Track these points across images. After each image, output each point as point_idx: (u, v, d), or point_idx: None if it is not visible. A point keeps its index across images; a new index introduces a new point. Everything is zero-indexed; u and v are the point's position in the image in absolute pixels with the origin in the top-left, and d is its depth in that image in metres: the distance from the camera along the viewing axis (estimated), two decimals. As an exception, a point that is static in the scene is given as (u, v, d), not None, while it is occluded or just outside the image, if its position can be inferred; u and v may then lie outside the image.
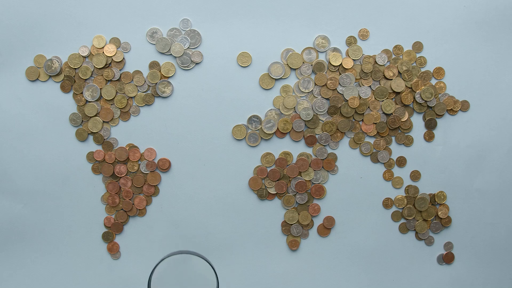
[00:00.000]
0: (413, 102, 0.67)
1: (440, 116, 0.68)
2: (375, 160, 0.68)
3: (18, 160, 0.65)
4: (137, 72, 0.64)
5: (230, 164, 0.67)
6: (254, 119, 0.66)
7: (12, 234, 0.66)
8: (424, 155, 0.69)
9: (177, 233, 0.67)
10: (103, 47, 0.63)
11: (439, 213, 0.70)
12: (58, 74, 0.64)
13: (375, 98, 0.67)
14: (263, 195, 0.67)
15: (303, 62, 0.65)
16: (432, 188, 0.70)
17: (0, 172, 0.65)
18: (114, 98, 0.64)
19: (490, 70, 0.68)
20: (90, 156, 0.65)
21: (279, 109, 0.66)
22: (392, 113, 0.67)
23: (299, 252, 0.69)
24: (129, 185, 0.66)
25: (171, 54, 0.64)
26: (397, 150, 0.68)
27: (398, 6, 0.66)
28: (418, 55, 0.67)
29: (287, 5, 0.64)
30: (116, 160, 0.65)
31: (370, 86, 0.66)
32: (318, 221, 0.69)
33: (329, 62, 0.65)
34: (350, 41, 0.66)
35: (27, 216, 0.66)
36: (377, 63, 0.66)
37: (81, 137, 0.65)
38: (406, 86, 0.67)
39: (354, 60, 0.66)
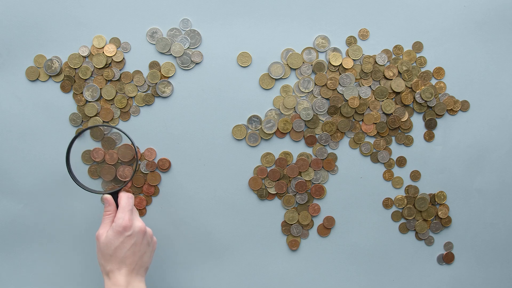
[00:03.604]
0: (413, 102, 0.67)
1: (440, 116, 0.68)
2: (375, 160, 0.68)
3: (18, 160, 0.65)
4: (137, 72, 0.64)
5: (230, 164, 0.67)
6: (254, 119, 0.66)
7: (12, 234, 0.66)
8: (424, 155, 0.69)
9: (177, 233, 0.67)
10: (103, 47, 0.63)
11: (439, 213, 0.70)
12: (58, 74, 0.64)
13: (375, 98, 0.67)
14: (263, 195, 0.67)
15: (303, 62, 0.65)
16: (432, 188, 0.70)
17: (1, 172, 0.65)
18: (114, 98, 0.64)
19: (490, 70, 0.68)
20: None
21: (279, 109, 0.66)
22: (392, 113, 0.67)
23: (299, 252, 0.69)
24: (129, 185, 0.66)
25: (171, 54, 0.64)
26: (397, 150, 0.68)
27: (398, 6, 0.66)
28: (418, 55, 0.67)
29: (287, 5, 0.64)
30: (119, 161, 0.65)
31: (370, 86, 0.66)
32: (318, 221, 0.69)
33: (329, 62, 0.65)
34: (350, 41, 0.66)
35: (27, 216, 0.66)
36: (377, 63, 0.66)
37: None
38: (406, 86, 0.67)
39: (354, 60, 0.66)
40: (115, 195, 0.57)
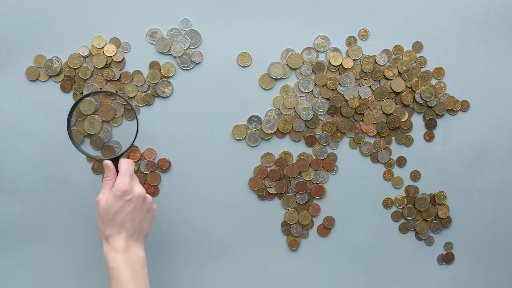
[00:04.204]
0: (413, 102, 0.67)
1: (440, 116, 0.68)
2: (375, 160, 0.68)
3: (18, 160, 0.65)
4: (137, 72, 0.64)
5: (230, 164, 0.67)
6: (254, 119, 0.66)
7: (12, 234, 0.66)
8: (424, 155, 0.69)
9: (177, 233, 0.67)
10: (103, 47, 0.63)
11: (439, 213, 0.70)
12: (58, 74, 0.64)
13: (375, 98, 0.67)
14: (263, 195, 0.67)
15: (303, 62, 0.65)
16: (432, 188, 0.70)
17: (1, 172, 0.65)
18: (114, 98, 0.64)
19: (490, 70, 0.68)
20: (90, 156, 0.65)
21: (279, 109, 0.66)
22: (392, 113, 0.67)
23: (299, 252, 0.69)
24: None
25: (171, 54, 0.64)
26: (397, 150, 0.68)
27: (398, 6, 0.66)
28: (418, 55, 0.67)
29: (287, 5, 0.64)
30: (116, 160, 0.65)
31: (370, 86, 0.66)
32: (318, 221, 0.69)
33: (329, 62, 0.65)
34: (350, 41, 0.66)
35: (27, 216, 0.66)
36: (377, 63, 0.66)
37: (81, 137, 0.65)
38: (406, 86, 0.67)
39: (354, 60, 0.66)
40: (115, 162, 0.57)
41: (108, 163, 0.57)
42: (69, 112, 0.58)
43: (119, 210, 0.53)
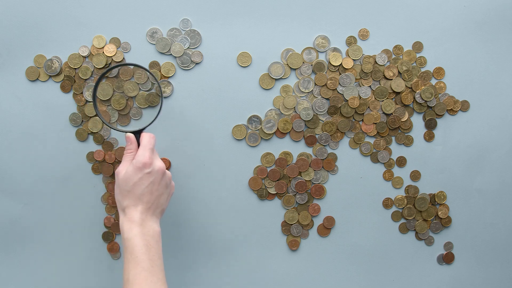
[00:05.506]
0: (413, 102, 0.67)
1: (440, 116, 0.68)
2: (375, 160, 0.68)
3: (18, 160, 0.65)
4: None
5: (230, 164, 0.67)
6: (254, 119, 0.66)
7: (12, 234, 0.66)
8: (424, 155, 0.69)
9: (177, 233, 0.67)
10: (103, 47, 0.63)
11: (439, 213, 0.70)
12: (58, 74, 0.64)
13: (375, 98, 0.67)
14: (263, 195, 0.67)
15: (303, 62, 0.65)
16: (432, 188, 0.70)
17: (1, 172, 0.65)
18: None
19: (490, 70, 0.68)
20: (90, 156, 0.65)
21: (279, 109, 0.66)
22: (392, 113, 0.67)
23: (299, 252, 0.69)
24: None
25: (171, 54, 0.64)
26: (397, 150, 0.68)
27: (398, 6, 0.66)
28: (418, 55, 0.67)
29: (287, 5, 0.64)
30: (116, 160, 0.65)
31: (370, 86, 0.66)
32: (318, 221, 0.69)
33: (329, 62, 0.65)
34: (350, 41, 0.66)
35: (27, 216, 0.66)
36: (377, 63, 0.66)
37: (81, 137, 0.65)
38: (406, 86, 0.67)
39: (354, 60, 0.66)
40: (137, 135, 0.57)
41: (130, 135, 0.57)
42: (95, 83, 0.58)
43: (138, 182, 0.54)
